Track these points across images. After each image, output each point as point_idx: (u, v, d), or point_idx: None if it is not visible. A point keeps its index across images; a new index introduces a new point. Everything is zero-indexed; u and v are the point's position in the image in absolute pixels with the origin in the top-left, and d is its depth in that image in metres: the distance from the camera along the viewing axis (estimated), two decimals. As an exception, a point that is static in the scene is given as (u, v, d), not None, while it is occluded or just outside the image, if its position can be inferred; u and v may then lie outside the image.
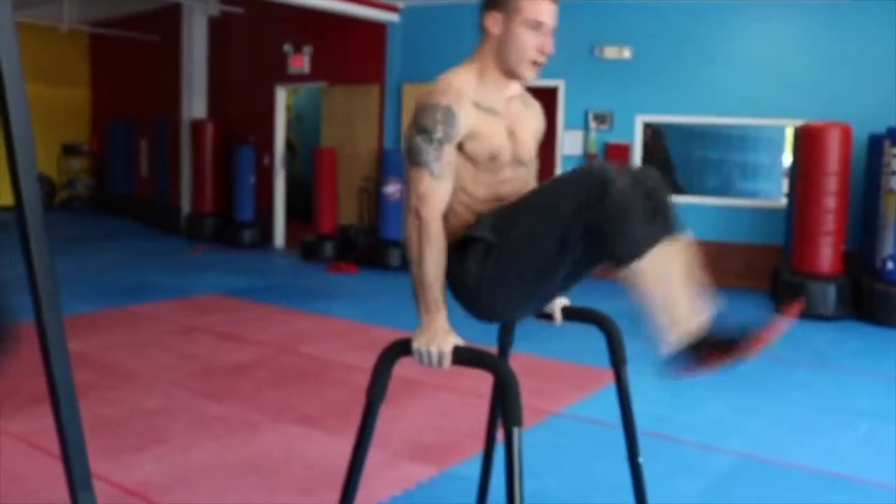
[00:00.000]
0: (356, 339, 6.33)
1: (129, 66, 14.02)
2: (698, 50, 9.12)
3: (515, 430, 1.88)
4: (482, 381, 5.21)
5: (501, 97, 2.18)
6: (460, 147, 2.06)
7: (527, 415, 5.01)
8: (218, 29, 11.78)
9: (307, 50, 10.71)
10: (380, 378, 2.06)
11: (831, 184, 7.52)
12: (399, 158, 9.95)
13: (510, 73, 2.15)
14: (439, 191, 2.02)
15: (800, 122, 8.52)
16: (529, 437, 4.31)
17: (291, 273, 9.54)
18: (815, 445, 4.31)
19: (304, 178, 12.92)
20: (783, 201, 9.47)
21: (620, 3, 9.22)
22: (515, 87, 2.23)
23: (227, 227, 11.38)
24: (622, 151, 9.55)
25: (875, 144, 7.94)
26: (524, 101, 2.27)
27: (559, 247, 1.96)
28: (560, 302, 2.67)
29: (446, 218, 2.08)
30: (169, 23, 12.20)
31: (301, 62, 10.77)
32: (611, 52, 9.41)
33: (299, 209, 11.84)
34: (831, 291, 7.53)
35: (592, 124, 9.68)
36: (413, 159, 2.04)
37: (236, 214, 11.30)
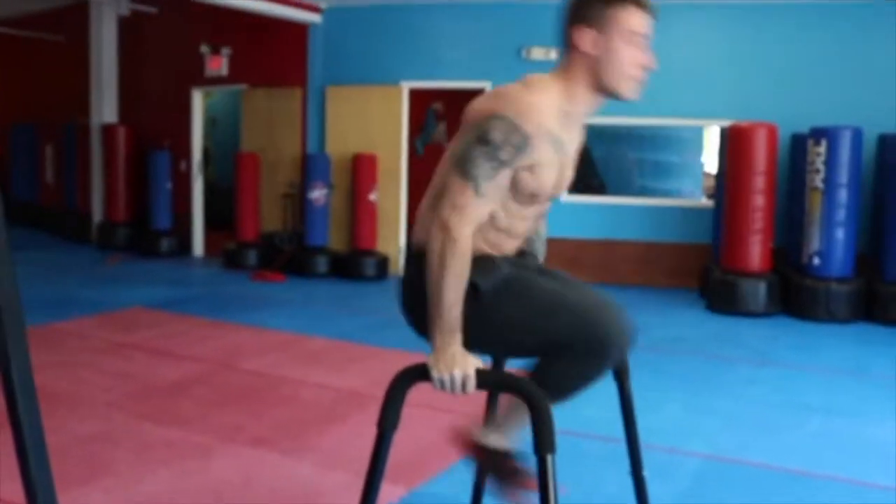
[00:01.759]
0: (295, 351, 6.11)
1: (31, 67, 13.32)
2: (624, 51, 9.18)
3: (549, 458, 1.76)
4: (434, 393, 5.10)
5: (579, 121, 2.03)
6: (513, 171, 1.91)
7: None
8: (129, 29, 11.29)
9: (225, 51, 10.36)
10: (392, 407, 1.90)
11: (759, 183, 7.68)
12: (324, 163, 9.73)
13: (607, 92, 1.97)
14: (478, 210, 1.86)
15: (723, 123, 8.69)
16: (492, 449, 4.22)
17: (215, 283, 9.20)
18: (772, 443, 4.35)
19: (218, 184, 12.51)
20: (704, 201, 9.68)
21: (547, 4, 9.18)
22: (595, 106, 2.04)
23: (143, 236, 10.92)
24: (549, 153, 9.55)
25: (798, 144, 8.15)
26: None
27: (520, 348, 2.02)
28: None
29: None
30: (76, 22, 11.62)
31: (219, 64, 10.41)
32: (538, 54, 9.40)
33: (214, 217, 11.47)
34: (762, 288, 7.69)
35: (519, 126, 9.65)
36: (461, 168, 1.85)
37: (152, 222, 10.85)
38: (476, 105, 1.96)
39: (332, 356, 6.03)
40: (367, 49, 9.90)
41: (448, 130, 12.68)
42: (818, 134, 7.51)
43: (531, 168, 1.90)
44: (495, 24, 9.56)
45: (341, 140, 9.94)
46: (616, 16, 1.91)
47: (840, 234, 7.45)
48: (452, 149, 1.97)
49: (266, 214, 10.19)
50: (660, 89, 9.18)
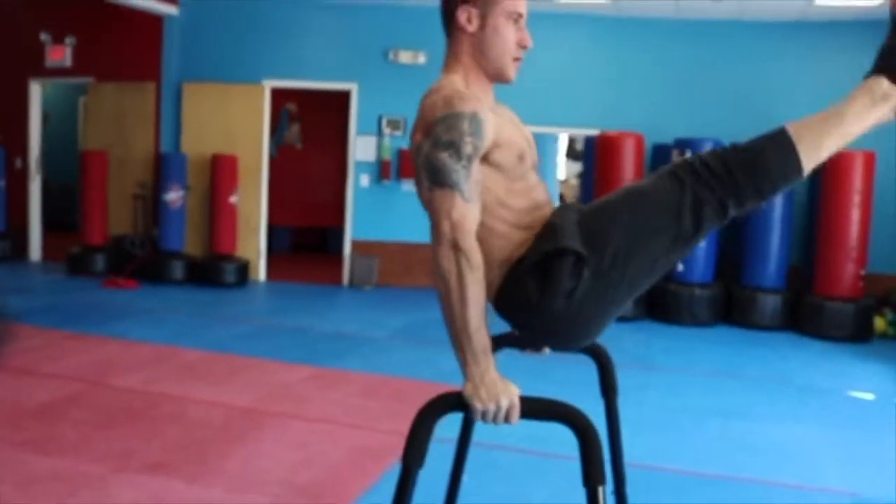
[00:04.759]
0: (170, 365, 5.69)
1: None
2: (492, 58, 9.23)
3: (600, 490, 1.64)
4: (330, 407, 4.87)
5: (490, 102, 1.95)
6: (485, 158, 1.81)
7: (396, 440, 4.71)
8: (-48, 12, 10.25)
9: (69, 41, 9.57)
10: (419, 440, 1.72)
11: (628, 191, 7.89)
12: (180, 162, 9.20)
13: (494, 74, 1.94)
14: (473, 214, 1.74)
15: (590, 132, 8.90)
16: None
17: (62, 290, 8.46)
18: (681, 447, 4.43)
19: (52, 184, 11.59)
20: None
21: (416, 7, 9.13)
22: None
23: (-30, 240, 9.92)
24: (416, 157, 9.46)
25: (660, 154, 8.46)
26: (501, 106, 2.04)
27: (671, 241, 1.83)
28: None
29: (488, 242, 1.81)
30: None
31: (62, 54, 9.61)
32: (405, 57, 9.29)
33: (48, 219, 10.62)
34: (629, 293, 7.91)
35: (386, 130, 9.51)
36: (438, 180, 1.72)
37: (-18, 225, 9.88)
38: (414, 133, 1.85)
39: (210, 369, 5.66)
40: (227, 45, 9.46)
41: (302, 131, 12.34)
42: (683, 144, 7.82)
43: (497, 144, 1.82)
44: (362, 25, 9.36)
45: (199, 139, 9.43)
46: None
47: (702, 241, 7.78)
48: (417, 177, 1.83)
49: (115, 217, 9.50)
50: (528, 97, 9.32)
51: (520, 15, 1.92)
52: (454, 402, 1.72)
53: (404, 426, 4.80)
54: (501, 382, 1.68)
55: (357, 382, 5.52)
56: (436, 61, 9.31)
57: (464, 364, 1.70)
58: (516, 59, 1.94)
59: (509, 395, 1.67)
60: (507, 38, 1.90)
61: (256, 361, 5.95)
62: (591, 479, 1.65)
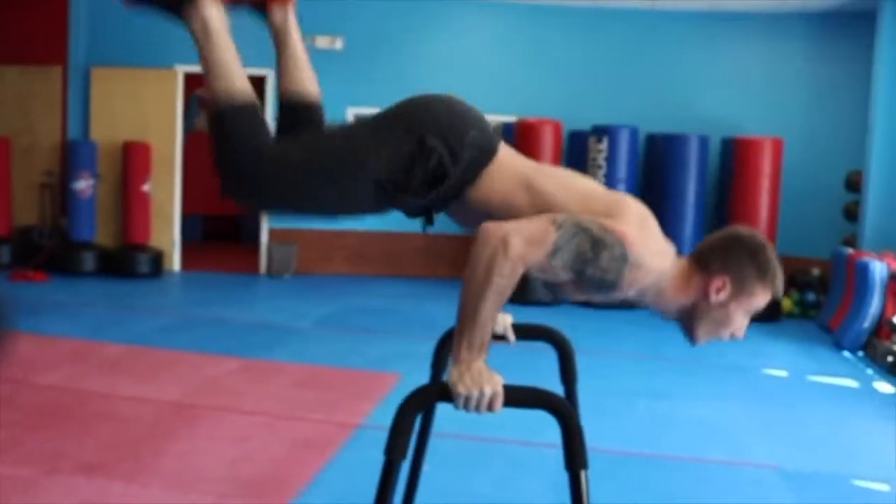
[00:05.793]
0: (92, 360, 5.53)
1: None
2: (411, 44, 9.23)
3: (583, 474, 1.70)
4: (263, 400, 4.82)
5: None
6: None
7: (334, 431, 4.71)
8: None
9: (-34, 22, 9.12)
10: (402, 433, 1.72)
11: (548, 177, 8.04)
12: (89, 150, 8.88)
13: (684, 328, 1.89)
14: (537, 259, 1.71)
15: (507, 118, 9.00)
16: (349, 456, 4.05)
17: (-35, 285, 8.09)
18: (614, 429, 4.56)
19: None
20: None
21: (333, -8, 9.03)
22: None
23: None
24: (334, 144, 9.38)
25: (576, 140, 8.63)
26: None
27: None
28: (507, 319, 2.47)
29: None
30: None
31: (-43, 36, 9.14)
32: (322, 42, 9.18)
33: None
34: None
35: (303, 116, 9.38)
36: (556, 232, 1.71)
37: None
38: (622, 209, 1.85)
39: (135, 364, 5.52)
40: (137, 28, 9.10)
41: (213, 118, 12.06)
42: (600, 131, 8.00)
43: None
44: (278, 9, 9.19)
45: (109, 126, 9.13)
46: (757, 291, 1.84)
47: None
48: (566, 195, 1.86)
49: (20, 207, 9.11)
50: (446, 83, 9.32)
51: (757, 312, 1.88)
52: (437, 393, 1.73)
53: (341, 416, 4.86)
54: (487, 372, 1.71)
55: (287, 373, 5.47)
56: (353, 47, 9.28)
57: (457, 349, 1.71)
58: (718, 339, 1.92)
59: (493, 383, 1.70)
60: (732, 325, 1.86)
61: (181, 355, 5.83)
62: (575, 463, 1.70)
